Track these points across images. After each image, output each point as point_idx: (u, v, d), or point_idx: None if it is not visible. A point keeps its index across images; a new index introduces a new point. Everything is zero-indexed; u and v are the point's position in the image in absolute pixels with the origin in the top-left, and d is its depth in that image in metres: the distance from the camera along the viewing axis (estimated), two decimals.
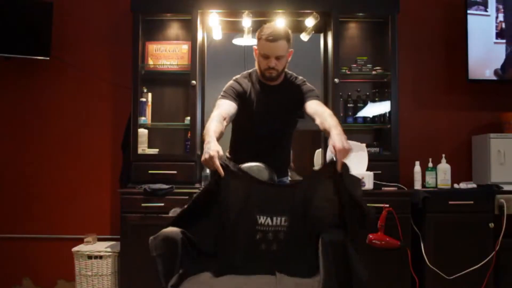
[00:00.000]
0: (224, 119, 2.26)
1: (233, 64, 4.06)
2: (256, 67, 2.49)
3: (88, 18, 3.97)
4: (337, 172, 1.96)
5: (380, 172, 3.47)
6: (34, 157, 3.91)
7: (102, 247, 3.53)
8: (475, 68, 3.79)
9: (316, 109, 2.37)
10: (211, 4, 3.61)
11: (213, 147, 1.96)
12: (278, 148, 2.59)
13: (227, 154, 2.65)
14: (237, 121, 2.48)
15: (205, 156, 1.95)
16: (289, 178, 2.73)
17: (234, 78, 2.55)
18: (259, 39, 2.40)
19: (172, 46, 3.72)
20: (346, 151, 1.95)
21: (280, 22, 3.65)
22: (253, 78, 2.52)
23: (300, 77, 2.57)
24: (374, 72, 3.70)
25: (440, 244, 3.36)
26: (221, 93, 2.47)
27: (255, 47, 2.46)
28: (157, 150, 3.71)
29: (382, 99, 3.77)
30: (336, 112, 3.59)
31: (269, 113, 2.49)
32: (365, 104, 3.77)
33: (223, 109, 2.33)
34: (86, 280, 3.47)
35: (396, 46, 3.61)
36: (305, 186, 2.08)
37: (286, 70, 2.51)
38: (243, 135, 2.59)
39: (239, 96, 2.44)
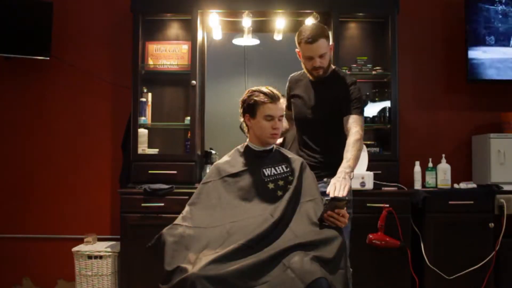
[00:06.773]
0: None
1: (233, 64, 4.05)
2: (303, 67, 2.59)
3: (88, 18, 3.97)
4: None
5: (380, 172, 3.47)
6: (34, 157, 3.91)
7: (102, 247, 3.54)
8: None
9: (349, 127, 2.47)
10: (211, 4, 3.61)
11: None
12: (329, 133, 2.61)
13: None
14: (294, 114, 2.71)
15: None
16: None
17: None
18: (299, 43, 2.49)
19: (172, 46, 3.72)
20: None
21: (280, 22, 3.66)
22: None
23: (349, 75, 2.69)
24: (374, 72, 3.70)
25: (440, 244, 3.36)
26: None
27: (298, 50, 2.53)
28: (157, 150, 3.71)
29: (382, 99, 3.77)
30: None
31: (316, 99, 2.59)
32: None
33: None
34: (86, 280, 3.47)
35: (396, 46, 3.61)
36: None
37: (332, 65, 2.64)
38: (299, 123, 2.70)
39: (287, 97, 2.72)
